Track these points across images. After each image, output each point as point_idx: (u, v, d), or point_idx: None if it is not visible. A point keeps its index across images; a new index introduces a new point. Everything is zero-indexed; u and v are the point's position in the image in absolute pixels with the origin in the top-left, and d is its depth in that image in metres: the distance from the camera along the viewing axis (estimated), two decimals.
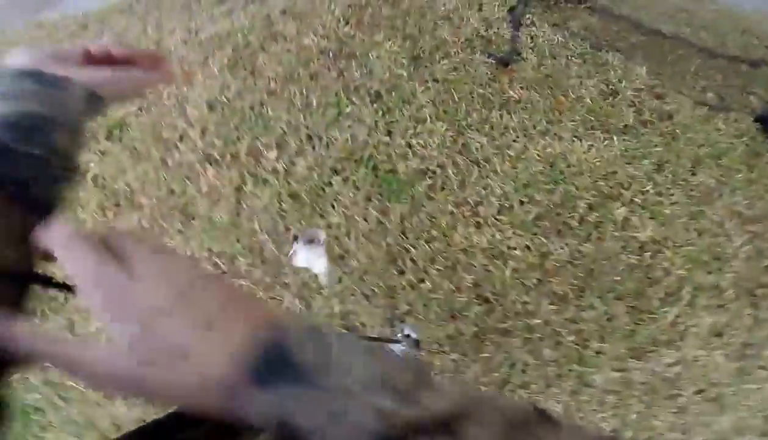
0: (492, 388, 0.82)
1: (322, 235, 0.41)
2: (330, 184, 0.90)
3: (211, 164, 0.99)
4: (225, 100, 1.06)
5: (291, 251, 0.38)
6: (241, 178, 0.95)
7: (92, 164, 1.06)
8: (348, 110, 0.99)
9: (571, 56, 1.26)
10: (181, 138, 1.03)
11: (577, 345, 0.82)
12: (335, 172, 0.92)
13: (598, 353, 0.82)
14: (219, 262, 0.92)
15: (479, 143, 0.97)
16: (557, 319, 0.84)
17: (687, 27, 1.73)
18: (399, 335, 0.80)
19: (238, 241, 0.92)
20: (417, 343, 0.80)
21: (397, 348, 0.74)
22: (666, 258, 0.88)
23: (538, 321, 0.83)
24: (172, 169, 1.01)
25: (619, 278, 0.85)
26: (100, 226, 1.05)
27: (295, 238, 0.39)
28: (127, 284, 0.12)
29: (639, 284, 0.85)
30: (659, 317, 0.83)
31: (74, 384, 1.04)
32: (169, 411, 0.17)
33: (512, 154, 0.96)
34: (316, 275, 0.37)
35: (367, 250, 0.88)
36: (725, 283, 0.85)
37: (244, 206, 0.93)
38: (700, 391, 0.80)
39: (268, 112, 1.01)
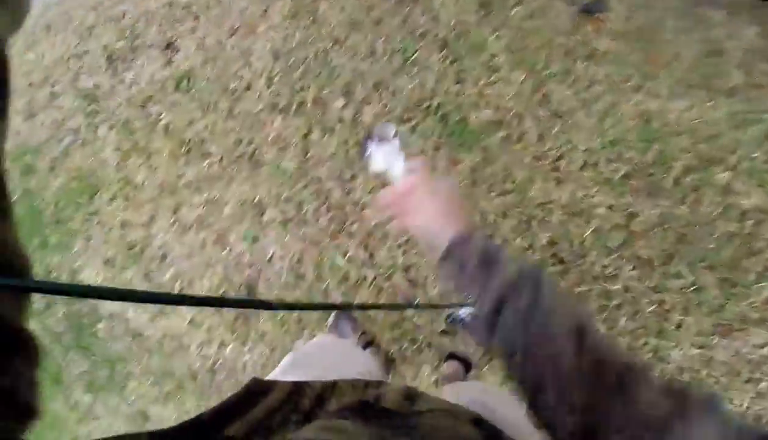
0: None
1: (393, 129, 0.38)
2: (399, 130, 0.88)
3: (277, 113, 1.00)
4: (288, 49, 1.05)
5: (366, 154, 0.37)
6: (307, 126, 0.96)
7: (163, 114, 1.12)
8: (414, 56, 0.95)
9: (666, 9, 1.09)
10: (247, 88, 1.05)
11: (658, 315, 0.77)
12: (403, 121, 0.89)
13: (679, 326, 0.77)
14: (286, 208, 0.95)
15: (562, 95, 0.89)
16: (639, 286, 0.78)
17: None
18: (463, 311, 0.78)
19: (305, 188, 0.94)
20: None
21: (465, 310, 0.73)
22: None
23: (618, 287, 0.78)
24: (239, 118, 1.04)
25: (713, 246, 0.77)
26: (172, 172, 1.11)
27: (367, 138, 0.37)
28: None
29: (735, 255, 0.77)
30: (753, 292, 0.76)
31: (154, 335, 1.15)
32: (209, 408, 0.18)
33: (600, 108, 0.87)
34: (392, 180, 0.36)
35: None
36: None
37: (311, 153, 0.94)
38: None
39: (332, 60, 0.99)
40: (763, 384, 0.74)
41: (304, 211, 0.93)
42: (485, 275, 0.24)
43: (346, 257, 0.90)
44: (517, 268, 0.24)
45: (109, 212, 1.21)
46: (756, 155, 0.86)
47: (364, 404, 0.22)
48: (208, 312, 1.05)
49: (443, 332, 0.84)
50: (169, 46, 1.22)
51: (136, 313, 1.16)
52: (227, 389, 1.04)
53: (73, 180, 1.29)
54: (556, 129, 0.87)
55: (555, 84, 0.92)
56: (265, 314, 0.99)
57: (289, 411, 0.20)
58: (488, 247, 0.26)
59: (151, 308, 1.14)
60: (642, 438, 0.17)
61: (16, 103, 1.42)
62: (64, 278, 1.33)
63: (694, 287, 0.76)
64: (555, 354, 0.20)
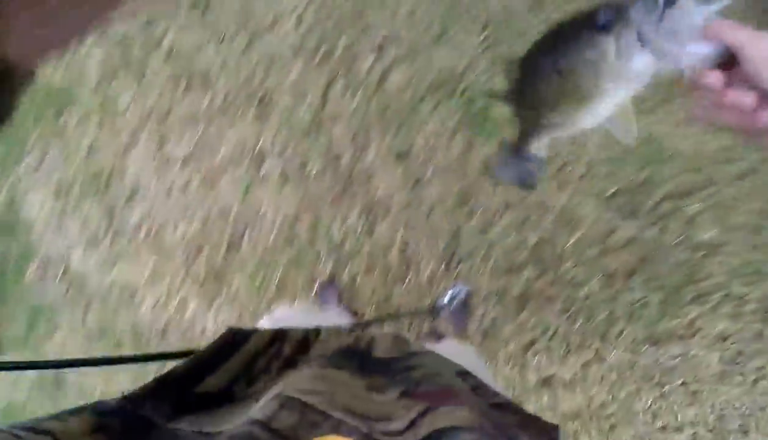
0: (518, 347, 0.92)
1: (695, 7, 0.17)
2: (421, 104, 0.94)
3: (300, 58, 1.01)
4: None
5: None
6: (330, 78, 0.98)
7: (169, 35, 1.07)
8: (452, 33, 1.01)
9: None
10: (273, 24, 1.05)
11: (606, 322, 0.94)
12: (428, 94, 0.95)
13: (621, 332, 0.94)
14: (289, 161, 0.96)
15: None
16: (600, 295, 0.94)
17: None
18: (447, 297, 0.87)
19: (314, 143, 0.96)
20: (465, 303, 0.88)
21: (442, 302, 0.82)
22: (714, 262, 0.97)
23: (582, 293, 0.94)
24: (256, 55, 1.04)
25: (666, 270, 0.96)
26: (165, 99, 1.06)
27: None
28: None
29: (680, 280, 0.96)
30: (682, 314, 0.95)
31: (100, 283, 1.04)
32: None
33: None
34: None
35: (443, 183, 0.94)
36: (752, 296, 0.96)
37: (329, 108, 0.96)
38: (683, 383, 0.94)
39: (370, 15, 1.02)
40: (667, 387, 0.94)
41: (308, 168, 0.95)
42: None
43: (345, 225, 0.93)
44: None
45: (77, 132, 1.13)
46: (727, 190, 1.01)
47: (355, 352, 0.22)
48: (175, 263, 1.00)
49: (429, 312, 0.90)
50: None
51: (83, 255, 1.08)
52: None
53: (39, 91, 1.18)
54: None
55: None
56: (241, 271, 0.97)
57: (271, 357, 0.21)
58: None
59: (104, 251, 1.06)
60: None
61: None
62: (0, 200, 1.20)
63: (642, 303, 0.95)
64: None
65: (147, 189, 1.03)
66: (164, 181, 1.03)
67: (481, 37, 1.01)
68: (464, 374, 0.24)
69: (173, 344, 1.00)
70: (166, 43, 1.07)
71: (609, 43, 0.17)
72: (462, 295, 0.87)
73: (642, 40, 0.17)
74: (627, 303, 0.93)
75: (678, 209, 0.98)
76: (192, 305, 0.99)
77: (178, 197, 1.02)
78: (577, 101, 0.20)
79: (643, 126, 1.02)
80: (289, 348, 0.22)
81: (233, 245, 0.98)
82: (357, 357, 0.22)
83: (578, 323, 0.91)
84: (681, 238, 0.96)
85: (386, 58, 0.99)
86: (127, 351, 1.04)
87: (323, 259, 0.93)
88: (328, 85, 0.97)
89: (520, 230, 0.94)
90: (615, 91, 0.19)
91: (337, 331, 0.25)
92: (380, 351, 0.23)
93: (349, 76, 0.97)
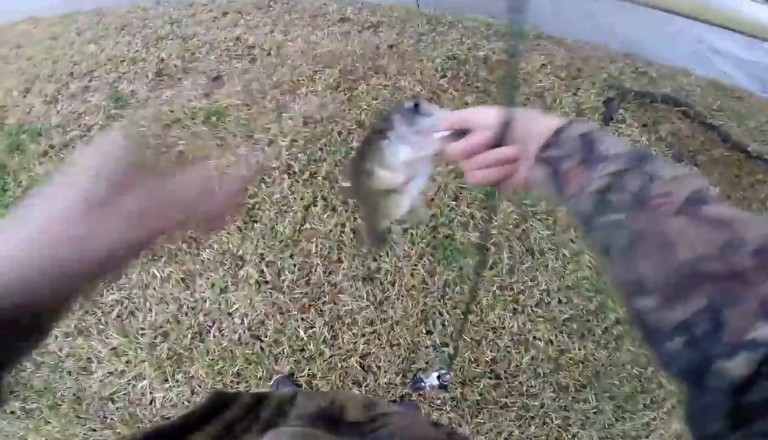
0: None
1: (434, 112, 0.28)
2: (390, 231, 1.09)
3: (289, 176, 1.19)
4: (320, 118, 1.27)
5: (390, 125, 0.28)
6: (313, 198, 1.15)
7: (181, 141, 1.27)
8: None
9: None
10: (270, 143, 1.25)
11: (560, 427, 1.04)
12: (398, 221, 1.10)
13: (574, 436, 1.05)
14: (265, 270, 1.09)
15: (540, 233, 1.19)
16: (552, 404, 1.06)
17: None
18: (437, 372, 0.85)
19: (291, 257, 1.10)
20: (445, 387, 0.86)
21: (430, 380, 0.82)
22: (665, 375, 1.09)
23: (536, 403, 1.05)
24: (252, 168, 1.22)
25: (618, 383, 1.09)
26: None
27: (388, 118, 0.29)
28: None
29: (633, 390, 1.08)
30: (638, 417, 1.06)
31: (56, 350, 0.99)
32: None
33: (567, 253, 1.18)
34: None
35: (406, 303, 1.07)
36: None
37: (308, 226, 1.12)
38: None
39: (353, 141, 1.22)
40: None
41: (282, 278, 1.09)
42: (591, 156, 0.22)
43: (309, 332, 1.04)
44: (628, 148, 0.22)
45: None
46: None
47: (329, 416, 0.25)
48: (138, 344, 1.04)
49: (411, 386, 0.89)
50: (218, 78, 1.41)
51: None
52: (116, 421, 0.97)
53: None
54: (526, 265, 1.16)
55: (537, 221, 1.21)
56: (201, 359, 1.03)
57: (251, 422, 0.24)
58: (593, 130, 0.23)
59: (71, 323, 1.08)
60: None
61: (47, 88, 1.49)
62: None
63: (595, 410, 1.06)
64: (668, 242, 0.18)
65: (128, 277, 1.13)
66: (146, 272, 1.13)
67: (447, 168, 1.20)
68: (437, 424, 0.27)
69: (115, 412, 0.98)
70: (178, 146, 1.27)
71: (383, 142, 0.26)
72: (446, 378, 0.84)
73: (402, 138, 0.27)
74: (581, 411, 1.04)
75: (627, 332, 1.12)
76: (146, 380, 1.02)
77: (157, 288, 1.12)
78: (384, 193, 0.28)
79: (593, 255, 1.16)
80: (269, 411, 0.25)
81: (199, 336, 1.06)
82: (331, 420, 0.25)
83: (532, 428, 1.01)
84: (632, 356, 1.08)
85: None
86: (61, 415, 0.96)
87: (284, 358, 1.03)
88: (310, 204, 1.14)
89: (474, 349, 1.04)
90: (402, 179, 0.26)
91: (312, 395, 0.28)
92: (351, 415, 0.26)
93: (330, 196, 1.15)
